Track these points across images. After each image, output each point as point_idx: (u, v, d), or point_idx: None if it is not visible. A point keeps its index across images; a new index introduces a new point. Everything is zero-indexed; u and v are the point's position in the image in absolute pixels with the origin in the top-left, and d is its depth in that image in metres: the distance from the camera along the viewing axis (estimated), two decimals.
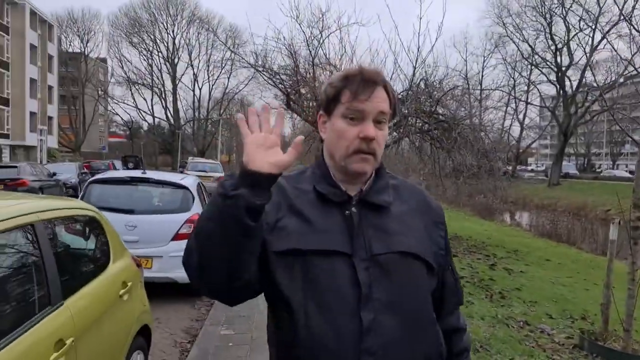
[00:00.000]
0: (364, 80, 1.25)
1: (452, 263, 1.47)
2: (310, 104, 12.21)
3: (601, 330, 4.95)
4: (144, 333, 3.27)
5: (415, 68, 11.21)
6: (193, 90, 62.01)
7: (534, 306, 6.44)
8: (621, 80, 37.47)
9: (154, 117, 61.23)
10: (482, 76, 51.20)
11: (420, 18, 10.24)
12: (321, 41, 12.38)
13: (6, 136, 42.23)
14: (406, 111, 11.42)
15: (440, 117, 11.88)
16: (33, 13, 45.71)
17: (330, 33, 12.24)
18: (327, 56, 12.63)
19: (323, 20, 12.25)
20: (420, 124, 12.27)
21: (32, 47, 45.38)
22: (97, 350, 2.45)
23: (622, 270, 5.72)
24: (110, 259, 2.96)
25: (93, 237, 2.91)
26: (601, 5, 36.75)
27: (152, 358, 3.73)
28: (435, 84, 12.32)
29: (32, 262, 2.13)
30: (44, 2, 66.06)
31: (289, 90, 12.31)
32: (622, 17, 33.44)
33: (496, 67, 53.45)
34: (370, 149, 1.25)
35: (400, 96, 11.81)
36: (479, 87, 46.56)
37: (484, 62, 52.85)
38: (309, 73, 12.27)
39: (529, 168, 70.89)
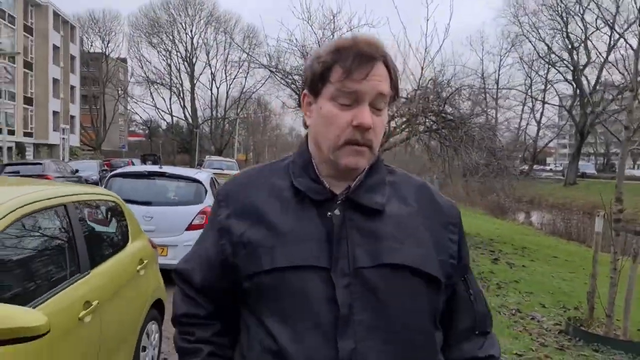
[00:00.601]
0: (360, 54, 1.02)
1: (468, 273, 1.20)
2: None
3: (587, 317, 5.25)
4: (158, 307, 3.70)
5: (422, 68, 11.53)
6: (211, 90, 62.95)
7: (529, 297, 6.72)
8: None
9: (172, 116, 62.35)
10: (499, 75, 51.19)
11: (427, 20, 10.58)
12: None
13: (30, 134, 43.43)
14: (414, 110, 11.75)
15: (448, 116, 12.17)
16: (56, 15, 46.91)
17: (342, 35, 12.60)
18: None
19: (334, 22, 12.64)
20: (430, 124, 12.58)
21: (55, 47, 46.59)
22: (118, 313, 2.87)
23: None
24: (129, 239, 3.39)
25: (114, 219, 3.35)
26: (619, 3, 36.46)
27: (166, 332, 4.15)
28: (444, 83, 12.62)
29: (65, 236, 2.56)
30: (66, 3, 67.65)
31: (301, 90, 12.72)
32: (619, 36, 33.38)
33: (513, 65, 53.41)
34: (365, 139, 1.04)
35: (408, 96, 12.14)
36: (495, 87, 46.70)
37: (500, 61, 52.82)
38: None
39: (547, 167, 70.34)
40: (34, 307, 2.11)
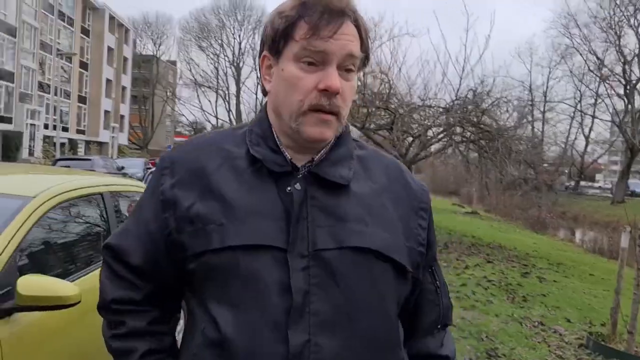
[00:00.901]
0: (328, 9, 0.92)
1: (435, 264, 1.11)
2: (360, 110, 12.78)
3: (609, 332, 5.22)
4: None
5: (461, 79, 11.58)
6: (256, 94, 63.85)
7: (555, 311, 6.65)
8: None
9: (217, 118, 63.66)
10: (547, 88, 50.08)
11: (467, 30, 10.64)
12: (373, 50, 12.95)
13: (82, 132, 45.42)
14: (452, 120, 11.79)
15: (486, 127, 12.14)
16: (112, 18, 48.98)
17: (382, 43, 12.79)
18: (380, 64, 13.14)
19: (375, 30, 12.82)
20: (468, 134, 12.57)
21: (110, 49, 48.65)
22: None
23: None
24: None
25: None
26: None
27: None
28: (483, 94, 12.59)
29: (100, 221, 2.85)
30: (121, 7, 70.46)
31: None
32: None
33: (562, 78, 52.17)
34: (332, 106, 0.94)
35: (446, 106, 12.18)
36: (543, 99, 45.62)
37: (549, 73, 51.62)
38: (359, 81, 12.84)
39: (596, 185, 68.07)
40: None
